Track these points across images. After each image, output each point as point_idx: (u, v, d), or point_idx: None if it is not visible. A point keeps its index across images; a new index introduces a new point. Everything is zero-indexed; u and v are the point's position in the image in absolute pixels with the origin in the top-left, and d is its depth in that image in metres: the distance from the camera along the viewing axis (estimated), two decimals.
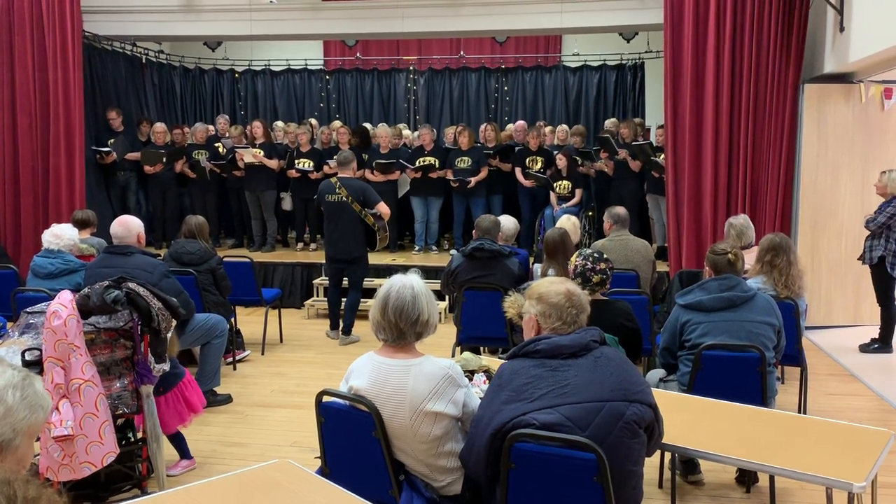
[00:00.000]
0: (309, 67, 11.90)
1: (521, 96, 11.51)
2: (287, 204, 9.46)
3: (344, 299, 6.99)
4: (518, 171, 8.90)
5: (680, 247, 7.60)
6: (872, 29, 5.96)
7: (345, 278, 7.01)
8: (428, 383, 2.61)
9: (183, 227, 6.09)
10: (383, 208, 6.68)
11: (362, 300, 6.98)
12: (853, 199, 7.27)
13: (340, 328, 6.96)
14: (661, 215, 8.28)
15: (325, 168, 8.90)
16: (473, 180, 8.64)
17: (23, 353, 3.34)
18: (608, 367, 2.47)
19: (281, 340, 6.98)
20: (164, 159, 9.19)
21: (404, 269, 2.88)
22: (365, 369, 2.73)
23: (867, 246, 6.34)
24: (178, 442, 4.21)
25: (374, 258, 8.59)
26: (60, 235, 5.35)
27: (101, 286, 3.45)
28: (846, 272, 7.28)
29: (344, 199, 6.58)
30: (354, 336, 6.92)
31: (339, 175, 6.77)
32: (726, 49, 7.22)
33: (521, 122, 9.73)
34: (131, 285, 3.53)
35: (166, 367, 3.66)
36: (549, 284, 2.73)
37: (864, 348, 6.57)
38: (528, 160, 8.92)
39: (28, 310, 3.73)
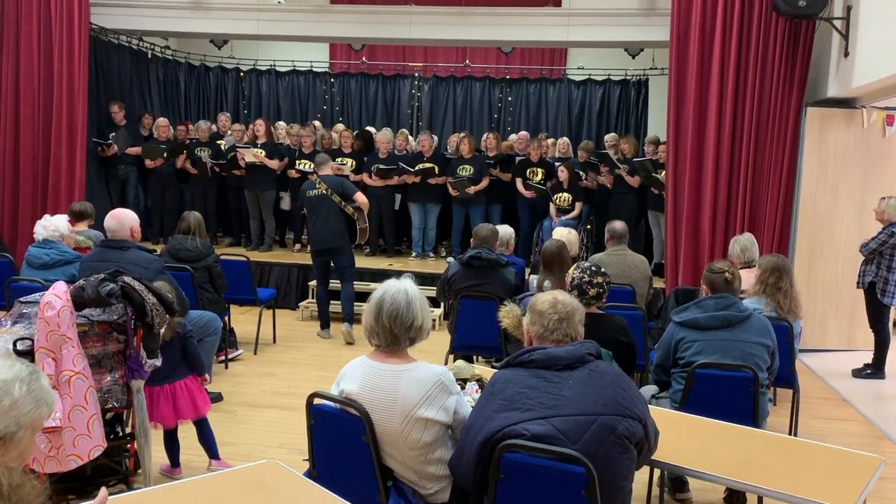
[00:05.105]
0: (314, 69, 11.90)
1: (524, 107, 11.50)
2: (286, 203, 9.46)
3: (334, 299, 7.02)
4: (518, 181, 8.90)
5: (677, 264, 7.60)
6: (877, 55, 5.99)
7: (335, 275, 7.08)
8: (420, 389, 2.60)
9: (181, 222, 6.05)
10: (361, 198, 6.91)
11: (356, 304, 6.98)
12: (851, 223, 7.29)
13: (343, 322, 6.97)
14: (661, 232, 8.28)
15: None
16: (473, 189, 8.65)
17: (14, 343, 3.33)
18: (602, 380, 2.46)
19: (274, 341, 6.96)
20: (166, 154, 9.19)
21: (400, 274, 2.88)
22: (357, 373, 2.72)
23: (861, 271, 6.41)
24: (175, 447, 4.17)
25: (370, 262, 8.60)
26: (46, 226, 5.43)
27: (96, 279, 3.44)
28: (841, 296, 7.29)
29: (324, 192, 6.78)
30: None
31: (318, 174, 6.98)
32: (731, 69, 7.25)
33: (523, 133, 9.75)
34: (126, 279, 3.52)
35: (157, 362, 3.64)
36: (542, 294, 2.75)
37: (857, 373, 6.57)
38: (528, 171, 8.93)
39: (22, 299, 3.71)
